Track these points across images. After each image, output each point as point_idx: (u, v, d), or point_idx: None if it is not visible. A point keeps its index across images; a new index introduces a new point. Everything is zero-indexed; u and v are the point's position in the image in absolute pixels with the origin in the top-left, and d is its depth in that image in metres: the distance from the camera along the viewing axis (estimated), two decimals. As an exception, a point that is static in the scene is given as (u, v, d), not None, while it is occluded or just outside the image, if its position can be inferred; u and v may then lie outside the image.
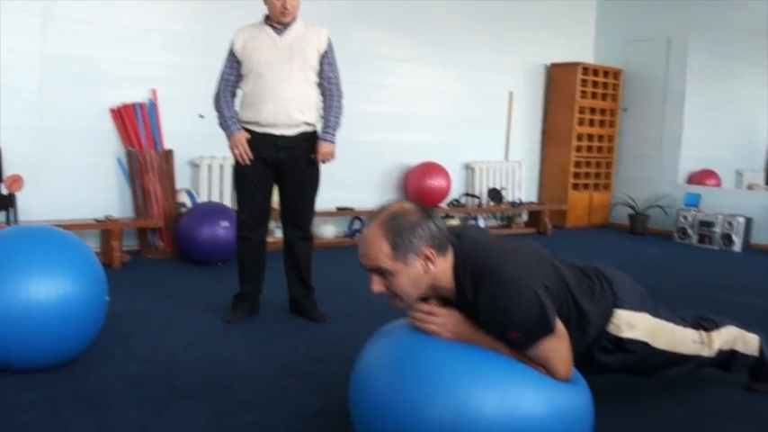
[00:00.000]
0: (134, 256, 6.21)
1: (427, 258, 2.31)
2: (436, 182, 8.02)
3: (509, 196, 9.22)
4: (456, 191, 8.76)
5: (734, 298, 5.63)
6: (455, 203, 8.68)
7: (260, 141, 4.21)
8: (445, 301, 2.43)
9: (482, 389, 2.16)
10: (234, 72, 4.27)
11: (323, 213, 7.28)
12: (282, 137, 4.20)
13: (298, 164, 4.27)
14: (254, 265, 4.41)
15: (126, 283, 5.19)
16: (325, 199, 7.32)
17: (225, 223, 5.93)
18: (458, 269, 2.38)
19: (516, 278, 2.31)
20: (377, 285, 2.36)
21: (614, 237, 9.14)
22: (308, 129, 4.28)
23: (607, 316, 2.81)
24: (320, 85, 4.31)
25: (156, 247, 6.36)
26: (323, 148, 4.26)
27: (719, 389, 3.44)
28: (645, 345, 2.89)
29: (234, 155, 4.24)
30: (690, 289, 5.92)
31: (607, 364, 2.90)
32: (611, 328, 2.82)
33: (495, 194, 8.81)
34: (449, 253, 2.40)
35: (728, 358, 3.26)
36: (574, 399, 2.32)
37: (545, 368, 2.32)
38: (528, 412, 2.17)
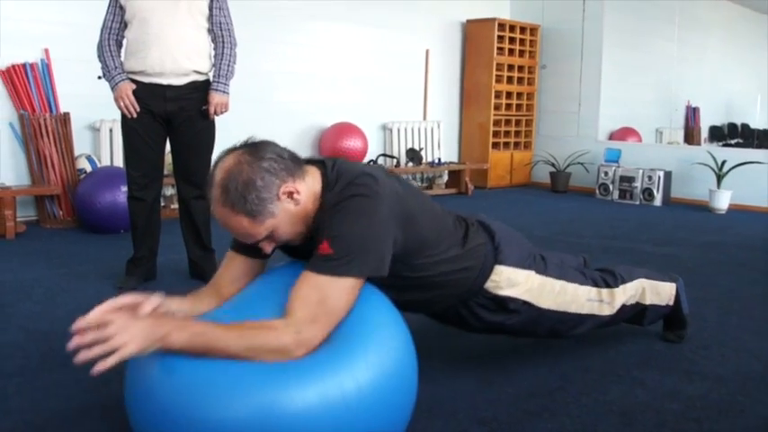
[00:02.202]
0: (32, 226, 5.88)
1: (289, 194, 2.05)
2: (352, 143, 7.77)
3: (428, 157, 9.03)
4: (373, 152, 8.53)
5: (653, 249, 5.54)
6: (372, 164, 8.43)
7: (147, 92, 3.92)
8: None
9: (288, 371, 1.81)
10: (117, 19, 3.96)
11: (233, 177, 7.01)
12: (170, 87, 3.91)
13: (189, 116, 3.99)
14: (147, 228, 4.13)
15: (17, 254, 4.88)
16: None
17: (126, 188, 5.60)
18: (327, 184, 2.12)
19: (377, 199, 2.08)
20: (268, 247, 2.13)
21: (536, 195, 9.05)
22: (199, 78, 4.00)
23: (485, 271, 2.58)
24: (211, 31, 4.02)
25: (54, 216, 6.02)
26: (215, 98, 3.98)
27: (639, 339, 3.29)
28: (528, 305, 2.66)
29: (119, 107, 3.94)
30: (609, 241, 5.81)
31: (492, 323, 2.68)
32: (490, 285, 2.59)
33: (413, 155, 8.60)
34: (310, 171, 2.15)
35: (638, 313, 3.08)
36: (387, 364, 1.95)
37: (292, 312, 1.94)
38: (341, 393, 1.80)
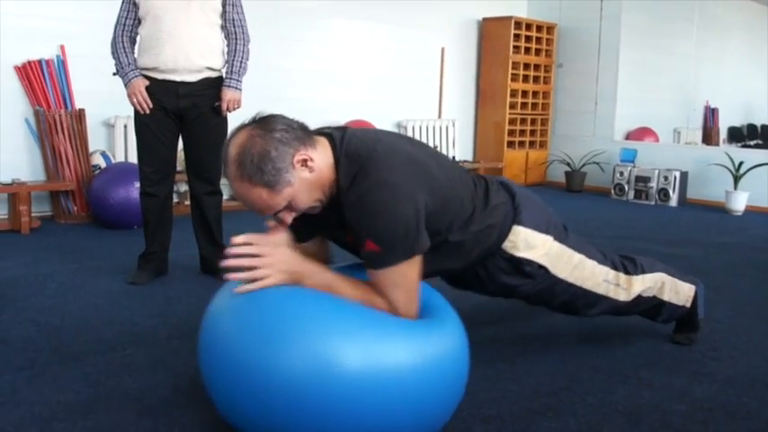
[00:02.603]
0: (47, 221, 5.91)
1: (303, 161, 2.07)
2: (366, 140, 7.75)
3: (443, 155, 9.00)
4: (388, 150, 8.48)
5: (667, 250, 5.51)
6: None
7: (160, 89, 3.93)
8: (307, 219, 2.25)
9: (342, 339, 1.90)
10: (131, 15, 3.97)
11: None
12: (183, 83, 3.92)
13: (202, 112, 4.00)
14: (158, 223, 4.15)
15: (31, 249, 4.91)
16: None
17: (139, 184, 5.62)
18: (337, 153, 2.15)
19: (395, 184, 2.10)
20: (288, 217, 2.15)
21: (551, 195, 9.01)
22: (212, 75, 4.01)
23: (504, 231, 2.58)
24: (224, 28, 4.03)
25: (69, 211, 6.05)
26: (227, 94, 3.99)
27: (648, 339, 3.28)
28: (544, 270, 2.67)
29: (132, 104, 3.96)
30: (622, 241, 5.78)
31: (507, 285, 2.69)
32: (507, 245, 2.60)
33: (428, 153, 8.57)
34: (320, 141, 2.17)
35: (654, 307, 3.06)
36: (444, 346, 2.08)
37: (386, 297, 2.10)
38: (394, 361, 1.92)
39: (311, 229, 2.41)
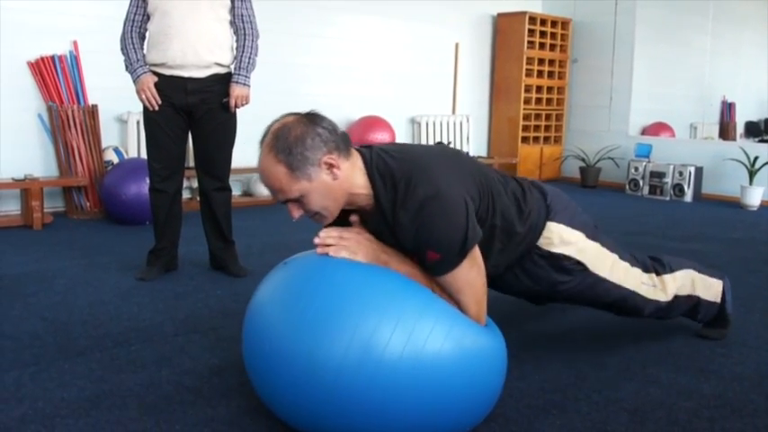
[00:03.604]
0: (59, 217, 5.93)
1: (330, 166, 2.13)
2: (380, 136, 7.74)
3: (457, 150, 8.97)
4: (402, 146, 8.46)
5: (679, 245, 5.47)
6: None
7: (168, 85, 3.93)
8: (362, 217, 2.32)
9: (388, 324, 1.95)
10: (140, 11, 3.98)
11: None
12: (192, 79, 3.92)
13: (210, 108, 4.00)
14: (168, 219, 4.15)
15: (43, 244, 4.93)
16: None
17: (148, 180, 5.64)
18: (370, 171, 2.22)
19: (442, 188, 2.16)
20: (295, 212, 2.21)
21: (565, 190, 8.77)
22: (221, 71, 4.00)
23: (539, 228, 2.65)
24: (233, 23, 4.02)
25: (81, 207, 6.07)
26: (235, 90, 3.98)
27: (657, 337, 3.26)
28: (581, 266, 2.72)
29: (141, 100, 3.96)
30: (635, 237, 5.75)
31: (547, 282, 2.74)
32: (542, 242, 2.66)
33: (441, 148, 8.55)
34: (354, 156, 2.24)
35: (693, 306, 3.10)
36: (485, 341, 2.14)
37: (457, 302, 2.20)
38: (435, 353, 1.98)
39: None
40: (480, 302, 2.24)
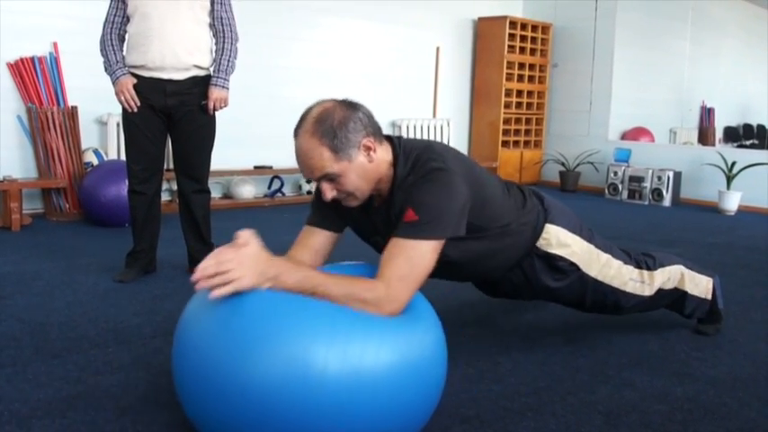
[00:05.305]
0: (38, 218, 5.91)
1: (368, 148, 2.25)
2: (360, 139, 7.74)
3: (437, 154, 8.98)
4: (382, 149, 8.47)
5: (661, 249, 5.49)
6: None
7: (147, 87, 3.93)
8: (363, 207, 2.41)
9: (318, 339, 1.84)
10: (120, 13, 3.97)
11: (241, 172, 7.03)
12: (171, 81, 3.92)
13: (189, 111, 4.00)
14: (146, 221, 4.15)
15: (22, 246, 4.91)
16: (244, 157, 7.09)
17: (127, 182, 5.62)
18: (398, 158, 2.34)
19: (452, 171, 2.28)
20: (329, 192, 2.28)
21: (545, 194, 8.99)
22: (200, 73, 4.00)
23: (538, 230, 2.77)
24: (212, 26, 4.03)
25: (61, 209, 6.05)
26: (214, 93, 3.98)
27: (633, 339, 3.29)
28: (576, 268, 2.86)
29: (120, 101, 3.96)
30: (615, 241, 5.70)
31: (542, 284, 2.86)
32: (541, 243, 2.79)
33: (422, 152, 8.57)
34: (385, 142, 2.36)
35: (678, 299, 3.21)
36: (422, 346, 2.04)
37: (382, 266, 2.14)
38: (373, 365, 1.88)
39: (339, 222, 2.53)
40: (402, 281, 2.11)
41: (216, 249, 1.99)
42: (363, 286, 2.05)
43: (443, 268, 2.43)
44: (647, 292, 3.06)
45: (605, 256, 2.96)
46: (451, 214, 2.26)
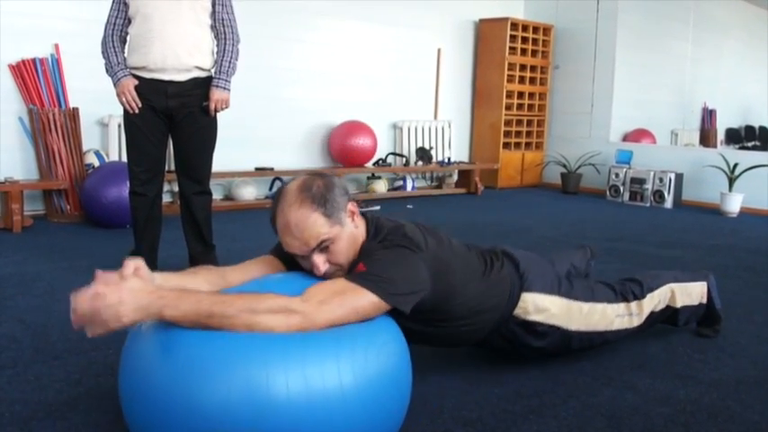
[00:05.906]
0: (39, 220, 5.91)
1: (353, 213, 2.26)
2: (361, 141, 7.76)
3: (438, 156, 9.00)
4: (383, 151, 8.50)
5: (658, 251, 5.51)
6: (381, 163, 8.41)
7: (149, 88, 3.93)
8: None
9: (274, 362, 1.78)
10: (121, 15, 3.98)
11: (242, 174, 7.03)
12: (172, 83, 3.92)
13: (191, 112, 4.00)
14: (147, 222, 4.15)
15: (23, 248, 4.90)
16: (245, 159, 7.09)
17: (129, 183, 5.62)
18: (369, 233, 2.33)
19: (417, 255, 2.24)
20: (322, 266, 2.20)
21: (546, 196, 9.01)
22: (201, 74, 4.01)
23: (513, 299, 2.69)
24: (214, 27, 4.03)
25: (62, 210, 6.05)
26: (215, 94, 3.99)
27: (635, 342, 3.26)
28: (558, 329, 2.78)
29: (121, 103, 3.96)
30: (614, 243, 5.78)
31: (527, 346, 2.79)
32: (519, 312, 2.70)
33: (423, 154, 8.57)
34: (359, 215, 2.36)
35: (670, 315, 3.16)
36: (377, 360, 1.94)
37: (309, 287, 1.99)
38: (332, 387, 1.81)
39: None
40: (324, 305, 1.95)
41: (96, 280, 1.86)
42: (272, 297, 1.91)
43: (418, 338, 2.46)
44: (636, 322, 2.99)
45: (587, 306, 2.84)
46: (403, 285, 2.13)
